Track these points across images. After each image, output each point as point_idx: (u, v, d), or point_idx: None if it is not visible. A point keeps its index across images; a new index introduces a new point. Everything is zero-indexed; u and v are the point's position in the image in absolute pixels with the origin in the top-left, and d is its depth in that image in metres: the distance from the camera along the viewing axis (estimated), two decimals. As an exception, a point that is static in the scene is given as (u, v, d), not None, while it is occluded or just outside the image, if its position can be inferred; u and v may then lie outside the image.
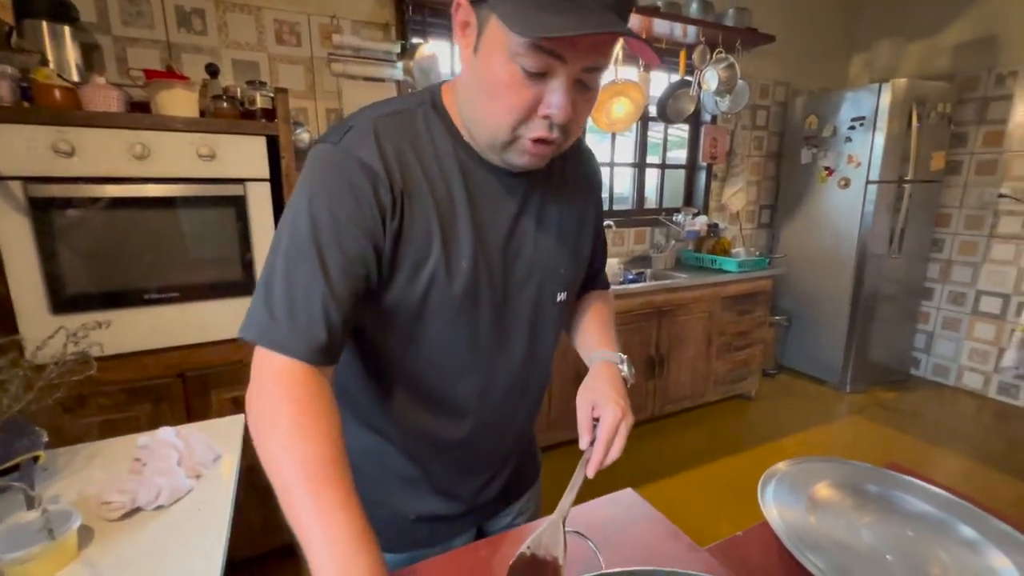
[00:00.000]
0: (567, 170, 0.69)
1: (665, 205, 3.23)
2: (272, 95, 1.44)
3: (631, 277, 2.49)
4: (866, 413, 2.82)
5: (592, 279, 0.82)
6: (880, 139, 2.76)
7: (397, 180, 0.53)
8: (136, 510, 0.76)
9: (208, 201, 1.34)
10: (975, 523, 0.73)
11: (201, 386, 1.40)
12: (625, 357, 0.70)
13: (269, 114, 1.46)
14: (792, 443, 2.50)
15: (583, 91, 0.52)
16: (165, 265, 1.33)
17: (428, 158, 0.57)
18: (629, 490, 0.75)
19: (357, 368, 0.65)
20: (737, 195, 3.16)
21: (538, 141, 0.53)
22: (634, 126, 2.83)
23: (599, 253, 0.81)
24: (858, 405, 2.92)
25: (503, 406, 0.68)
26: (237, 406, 1.41)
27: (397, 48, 2.03)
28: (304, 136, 1.85)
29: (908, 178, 2.83)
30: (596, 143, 2.96)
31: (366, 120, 0.55)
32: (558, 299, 0.68)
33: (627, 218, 3.00)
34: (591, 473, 0.57)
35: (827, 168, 3.03)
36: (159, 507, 0.77)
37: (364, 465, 0.51)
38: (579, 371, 0.73)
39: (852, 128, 2.89)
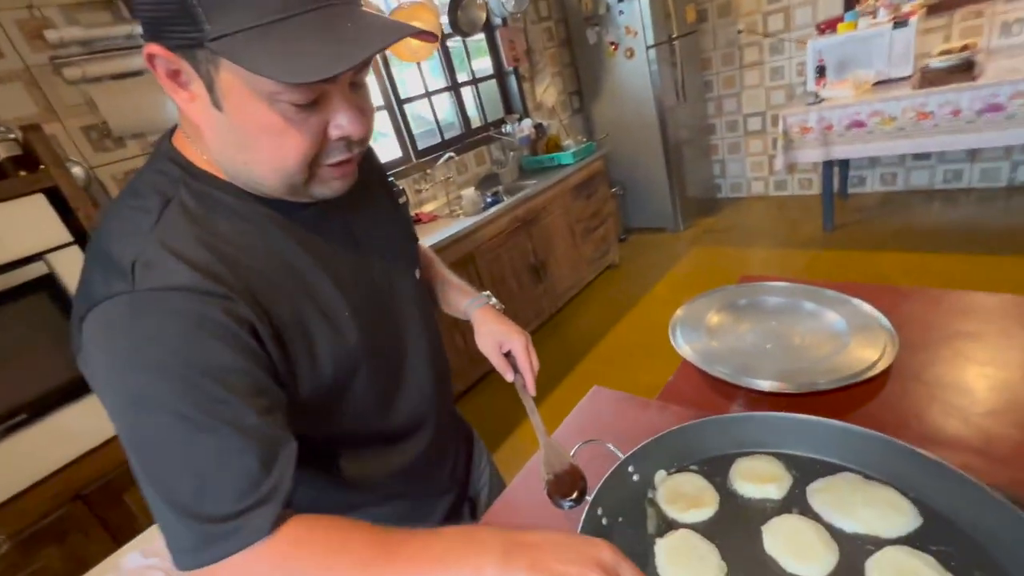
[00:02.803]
0: None
1: (489, 119, 3.29)
2: (17, 137, 1.11)
3: (490, 200, 2.57)
4: (701, 242, 3.44)
5: None
6: (645, 5, 3.07)
7: (235, 284, 0.44)
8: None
9: (6, 296, 1.06)
10: (811, 297, 1.02)
11: (109, 497, 1.21)
12: (487, 292, 0.81)
13: (26, 162, 1.14)
14: (661, 289, 2.99)
15: (359, 90, 0.47)
16: (-14, 389, 1.06)
17: (239, 238, 0.47)
18: (596, 387, 0.89)
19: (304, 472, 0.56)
20: (548, 90, 3.33)
21: (340, 164, 0.48)
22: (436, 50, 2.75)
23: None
24: (693, 238, 3.53)
25: (436, 393, 0.69)
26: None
27: (138, 28, 1.65)
28: (78, 172, 1.49)
29: (675, 35, 3.25)
30: (406, 77, 2.83)
31: (144, 244, 0.43)
32: (416, 276, 0.69)
33: (461, 143, 3.01)
34: (532, 391, 0.69)
35: (612, 43, 3.32)
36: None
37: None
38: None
39: (620, 0, 3.15)
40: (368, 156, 0.68)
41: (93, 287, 0.43)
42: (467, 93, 3.18)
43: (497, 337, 0.73)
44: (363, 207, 0.61)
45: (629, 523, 0.57)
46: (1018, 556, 0.43)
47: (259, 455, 0.42)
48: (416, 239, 0.79)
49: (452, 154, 2.76)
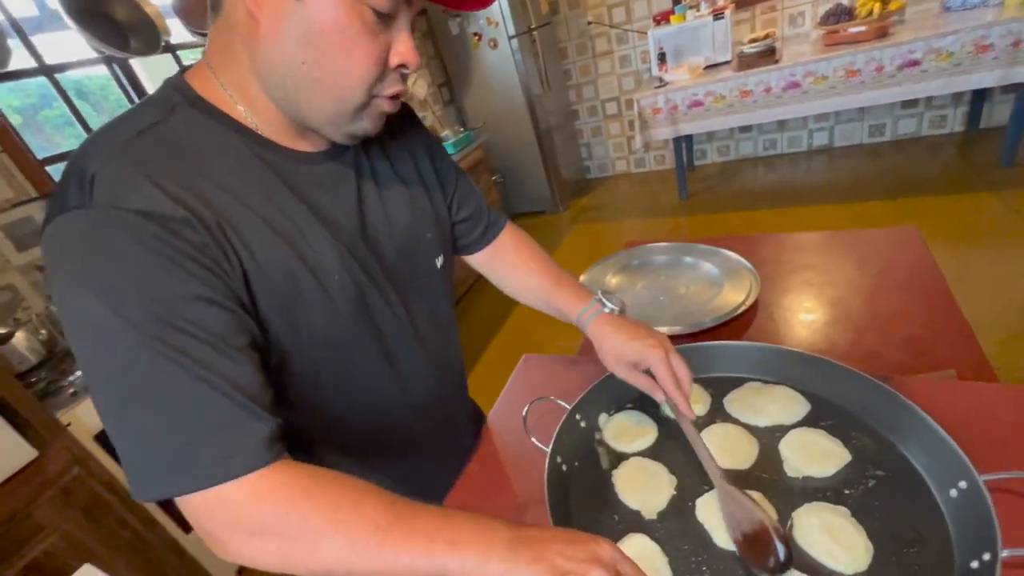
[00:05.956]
0: None
1: (360, 114, 3.16)
2: None
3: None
4: (581, 219, 3.69)
5: (479, 220, 0.72)
6: (502, -4, 3.17)
7: (207, 216, 0.41)
8: None
9: None
10: (688, 252, 1.17)
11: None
12: (600, 295, 0.67)
13: None
14: (550, 266, 3.15)
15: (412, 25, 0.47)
16: None
17: (222, 173, 0.44)
18: (526, 355, 0.94)
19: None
20: (418, 83, 3.28)
21: (393, 97, 0.47)
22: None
23: (464, 188, 0.70)
24: (572, 217, 3.77)
25: (436, 389, 0.65)
26: (39, 571, 1.04)
27: None
28: None
29: (533, 26, 3.40)
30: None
31: (111, 156, 0.39)
32: (438, 265, 0.63)
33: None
34: (688, 413, 0.57)
35: (476, 34, 3.37)
36: None
37: None
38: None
39: (478, -9, 3.21)
40: (406, 116, 0.64)
41: (54, 201, 0.39)
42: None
43: (627, 358, 0.61)
44: (381, 178, 0.57)
45: (585, 465, 0.63)
46: (876, 414, 0.57)
47: (236, 393, 0.38)
48: (464, 210, 0.70)
49: (326, 151, 2.60)
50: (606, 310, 0.66)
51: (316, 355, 0.50)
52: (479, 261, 0.77)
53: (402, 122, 0.63)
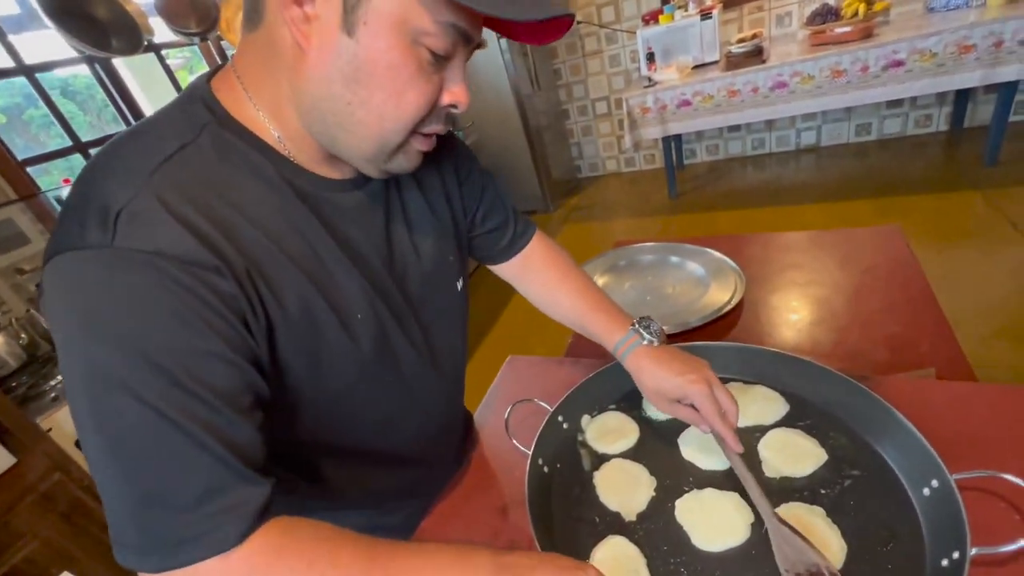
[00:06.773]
0: None
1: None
2: None
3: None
4: (572, 218, 3.70)
5: (505, 231, 0.70)
6: (491, -4, 3.16)
7: (233, 258, 0.38)
8: None
9: None
10: (674, 252, 1.18)
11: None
12: (637, 323, 0.64)
13: None
14: (540, 266, 3.15)
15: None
16: None
17: (254, 205, 0.41)
18: (511, 356, 0.94)
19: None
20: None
21: (430, 136, 0.45)
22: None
23: (491, 197, 0.68)
24: (563, 217, 3.78)
25: (444, 405, 0.65)
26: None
27: None
28: None
29: (522, 26, 3.40)
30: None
31: (138, 190, 0.36)
32: (458, 288, 0.62)
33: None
34: (736, 447, 0.54)
35: (465, 33, 3.36)
36: None
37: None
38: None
39: (467, -9, 3.20)
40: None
41: (68, 229, 0.36)
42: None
43: (668, 394, 0.58)
44: (409, 207, 0.54)
45: (567, 467, 0.63)
46: (853, 413, 0.57)
47: (232, 458, 0.36)
48: (488, 224, 0.67)
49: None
50: (644, 342, 0.62)
51: (332, 391, 0.48)
52: (506, 272, 0.75)
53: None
